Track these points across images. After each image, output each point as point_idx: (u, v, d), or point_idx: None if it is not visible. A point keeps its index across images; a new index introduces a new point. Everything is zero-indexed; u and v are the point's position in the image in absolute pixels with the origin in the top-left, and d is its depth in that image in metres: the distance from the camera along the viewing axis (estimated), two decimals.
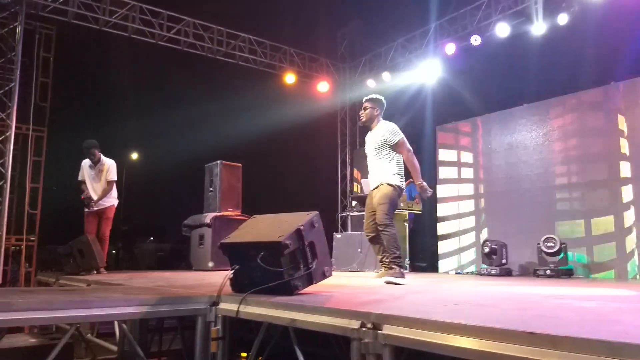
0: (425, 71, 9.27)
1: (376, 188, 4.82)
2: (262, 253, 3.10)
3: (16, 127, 7.57)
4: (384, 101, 4.96)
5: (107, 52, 10.12)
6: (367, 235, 4.94)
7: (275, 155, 11.24)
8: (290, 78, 10.41)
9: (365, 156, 5.06)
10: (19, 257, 8.40)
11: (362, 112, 4.94)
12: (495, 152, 8.25)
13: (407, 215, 7.68)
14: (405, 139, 4.84)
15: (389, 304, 2.80)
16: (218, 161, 7.86)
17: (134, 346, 3.19)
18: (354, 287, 4.19)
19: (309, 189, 10.89)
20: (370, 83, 10.34)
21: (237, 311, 2.88)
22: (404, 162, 4.90)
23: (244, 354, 4.60)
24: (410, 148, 4.86)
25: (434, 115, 9.25)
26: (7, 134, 7.38)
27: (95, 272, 5.86)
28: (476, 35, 8.10)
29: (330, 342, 3.83)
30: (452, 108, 8.83)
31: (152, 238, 15.55)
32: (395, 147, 4.77)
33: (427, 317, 2.07)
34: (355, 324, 2.22)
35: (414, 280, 5.49)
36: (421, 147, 9.28)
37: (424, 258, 8.35)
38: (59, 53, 9.59)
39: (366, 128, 5.03)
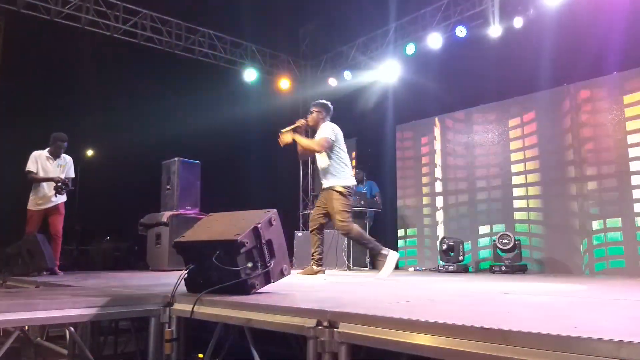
0: (385, 70, 9.35)
1: (327, 190, 5.04)
2: (217, 252, 3.03)
3: None
4: (330, 106, 5.26)
5: (59, 45, 9.72)
6: (311, 228, 5.17)
7: (236, 153, 11.08)
8: (250, 74, 10.30)
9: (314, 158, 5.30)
10: None
11: (308, 115, 5.20)
12: (454, 152, 8.40)
13: (367, 213, 7.73)
14: (329, 140, 5.02)
15: (345, 301, 2.79)
16: (176, 158, 7.68)
17: (83, 350, 3.06)
18: (312, 285, 4.16)
19: (270, 187, 10.80)
20: (332, 81, 10.35)
21: (192, 312, 2.80)
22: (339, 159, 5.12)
23: (200, 355, 4.52)
24: (323, 149, 5.05)
25: (394, 114, 9.34)
26: None
27: (45, 272, 5.62)
28: (461, 27, 8.15)
29: (289, 342, 3.79)
30: (412, 107, 8.94)
31: (108, 237, 15.09)
32: (318, 139, 5.01)
33: (383, 314, 2.07)
34: (311, 322, 2.19)
35: (372, 278, 5.52)
36: (382, 144, 9.36)
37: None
38: (8, 44, 9.15)
39: (315, 129, 5.25)
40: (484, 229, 7.75)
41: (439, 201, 8.54)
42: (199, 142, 8.93)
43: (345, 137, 10.22)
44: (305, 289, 3.61)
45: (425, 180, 8.78)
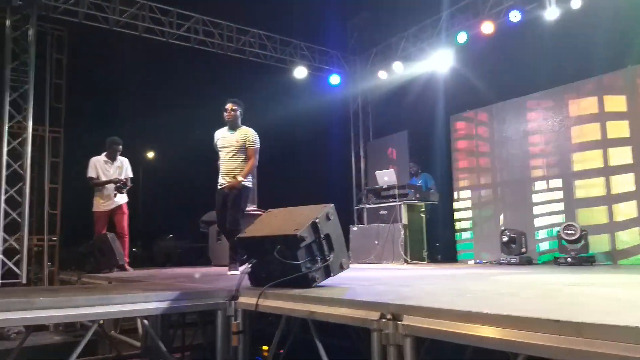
0: (437, 60, 9.17)
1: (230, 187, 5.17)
2: (278, 246, 3.11)
3: (33, 129, 7.65)
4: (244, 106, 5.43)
5: (118, 52, 10.19)
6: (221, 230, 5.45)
7: (289, 150, 11.23)
8: (300, 72, 10.38)
9: (219, 153, 5.34)
10: (41, 257, 8.54)
11: (229, 111, 5.25)
12: (511, 140, 8.14)
13: (423, 206, 7.64)
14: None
15: (406, 294, 2.79)
16: None
17: (156, 342, 3.22)
18: (372, 279, 4.18)
19: (323, 183, 10.87)
20: (382, 74, 10.26)
21: (256, 304, 2.89)
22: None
23: (265, 347, 4.64)
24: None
25: (447, 105, 9.15)
26: (24, 135, 7.47)
27: (115, 269, 5.93)
28: (515, 11, 7.87)
29: (349, 334, 3.83)
30: (466, 97, 8.72)
31: (170, 235, 15.71)
32: (251, 153, 5.22)
33: (448, 307, 2.06)
34: (374, 315, 2.21)
35: (431, 271, 5.47)
36: (435, 136, 9.20)
37: (441, 248, 8.29)
38: (72, 54, 9.68)
39: (232, 126, 5.31)
40: (544, 220, 7.48)
41: (497, 192, 8.32)
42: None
43: (397, 129, 10.32)
44: (365, 283, 3.64)
45: (481, 171, 8.57)
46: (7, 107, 7.36)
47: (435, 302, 2.23)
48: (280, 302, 2.82)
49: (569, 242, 6.35)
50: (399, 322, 2.11)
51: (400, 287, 3.27)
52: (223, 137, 5.31)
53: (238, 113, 5.27)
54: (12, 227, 7.21)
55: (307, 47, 10.65)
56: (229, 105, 5.26)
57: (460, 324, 1.94)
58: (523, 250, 6.69)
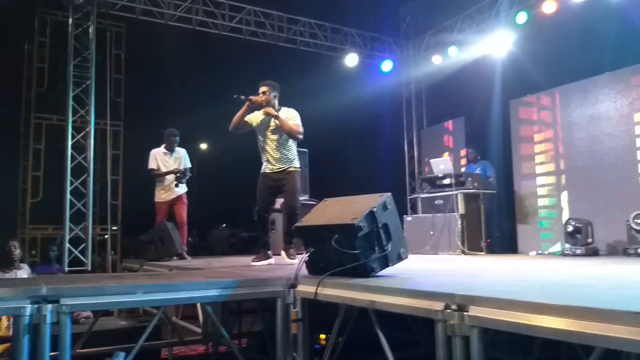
0: (495, 43, 8.82)
1: (282, 171, 4.94)
2: (336, 235, 3.09)
3: (95, 123, 7.97)
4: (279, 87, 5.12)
5: (173, 46, 10.43)
6: (261, 215, 5.04)
7: (340, 140, 11.18)
8: (351, 59, 10.27)
9: (263, 136, 5.03)
10: (104, 245, 8.94)
11: (260, 95, 4.91)
12: (576, 125, 7.73)
13: (481, 195, 7.41)
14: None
15: (471, 285, 2.70)
16: None
17: (218, 327, 3.28)
18: (431, 269, 4.09)
19: (375, 173, 10.76)
20: (436, 59, 10.00)
21: (315, 293, 2.88)
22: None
23: (322, 336, 4.66)
24: (301, 136, 5.06)
25: (506, 89, 8.78)
26: (87, 129, 7.81)
27: (175, 257, 6.11)
28: None
29: (406, 325, 3.77)
30: (526, 80, 8.34)
31: (224, 225, 16.08)
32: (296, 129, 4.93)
33: (518, 298, 1.98)
34: (438, 305, 2.15)
35: (492, 262, 5.30)
36: (493, 122, 8.89)
37: (500, 239, 8.01)
38: (129, 49, 10.02)
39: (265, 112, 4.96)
40: (614, 208, 7.07)
41: (560, 180, 7.94)
42: (305, 130, 9.11)
43: (453, 116, 10.04)
44: (425, 273, 3.56)
45: (543, 158, 8.19)
46: (70, 103, 7.70)
47: (504, 293, 2.14)
48: (339, 291, 2.79)
49: (639, 231, 5.98)
50: (465, 313, 2.04)
51: (462, 278, 3.18)
52: (262, 123, 4.99)
53: (272, 96, 4.94)
54: (77, 217, 7.58)
55: (359, 34, 10.53)
56: (262, 89, 4.94)
57: (532, 316, 1.86)
58: (589, 240, 6.37)
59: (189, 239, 11.07)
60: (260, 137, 5.04)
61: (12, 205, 9.65)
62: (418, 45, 10.86)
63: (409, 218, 7.78)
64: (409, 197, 10.05)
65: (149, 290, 2.72)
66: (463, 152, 9.30)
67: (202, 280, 3.09)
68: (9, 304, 2.34)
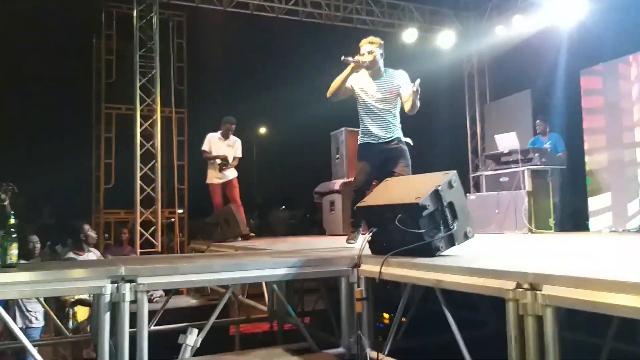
0: (563, 10, 8.30)
1: (391, 141, 4.25)
2: (399, 215, 3.06)
3: (160, 110, 8.28)
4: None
5: (231, 32, 10.61)
6: (362, 191, 4.21)
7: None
8: (410, 35, 10.01)
9: (364, 104, 4.32)
10: (172, 228, 9.36)
11: (365, 53, 4.14)
12: None
13: (550, 171, 7.07)
14: None
15: (542, 263, 2.61)
16: (342, 128, 7.90)
17: (284, 306, 3.37)
18: (498, 248, 3.98)
19: (438, 149, 10.55)
20: (499, 30, 9.55)
21: (380, 272, 2.88)
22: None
23: (385, 315, 4.67)
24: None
25: (575, 59, 8.28)
26: (154, 117, 8.13)
27: (239, 238, 6.28)
28: None
29: (470, 304, 3.70)
30: (598, 48, 7.81)
31: (283, 207, 16.39)
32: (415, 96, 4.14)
33: (593, 276, 1.89)
34: (509, 284, 2.09)
35: (564, 240, 5.09)
36: (561, 94, 8.44)
37: (571, 217, 7.64)
38: (191, 38, 10.29)
39: (376, 72, 4.27)
40: None
41: (637, 153, 7.44)
42: None
43: (518, 88, 9.61)
44: (491, 251, 3.47)
45: (618, 130, 7.69)
46: (137, 92, 8.04)
47: (577, 271, 2.05)
48: (404, 270, 2.78)
49: None
50: (538, 292, 1.98)
51: (532, 256, 3.07)
52: (369, 87, 4.27)
53: (379, 55, 4.18)
54: (147, 202, 7.96)
55: (417, 8, 10.25)
56: (367, 48, 4.17)
57: (608, 294, 1.78)
58: None
59: (250, 220, 11.35)
60: (363, 102, 4.32)
61: (87, 191, 10.25)
62: (480, 16, 10.42)
63: (472, 197, 7.57)
64: (471, 175, 9.78)
65: (218, 270, 2.82)
66: (530, 127, 8.90)
67: (269, 259, 3.16)
68: (91, 283, 2.50)
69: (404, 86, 4.25)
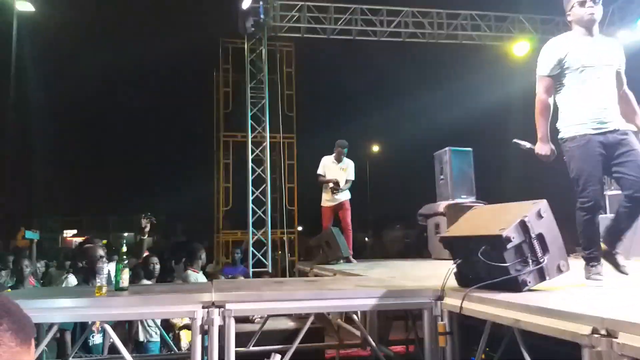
0: None
1: (618, 131, 3.19)
2: (483, 247, 2.96)
3: (270, 137, 8.81)
4: None
5: (336, 58, 11.01)
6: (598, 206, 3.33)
7: (508, 135, 10.49)
8: (521, 48, 9.56)
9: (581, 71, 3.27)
10: (283, 248, 9.81)
11: (592, 5, 3.27)
12: None
13: None
14: None
15: (628, 303, 2.38)
16: (446, 148, 7.73)
17: (366, 335, 3.41)
18: (606, 280, 3.63)
19: (548, 171, 9.83)
20: (622, 35, 8.75)
21: (460, 307, 2.82)
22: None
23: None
24: None
25: None
26: (264, 144, 8.67)
27: (341, 260, 6.41)
28: None
29: (565, 342, 3.43)
30: None
31: (398, 225, 16.27)
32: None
33: None
34: (585, 329, 1.95)
35: None
36: None
37: None
38: (298, 66, 10.84)
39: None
40: None
41: None
42: (469, 128, 8.82)
43: None
44: (587, 289, 3.19)
45: None
46: (249, 121, 8.65)
47: None
48: (484, 307, 2.69)
49: None
50: (614, 340, 1.83)
51: (623, 296, 2.78)
52: (590, 51, 3.25)
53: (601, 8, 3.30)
54: (259, 223, 8.47)
55: (527, 19, 9.77)
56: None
57: None
58: None
59: (365, 239, 11.47)
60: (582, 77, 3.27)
61: (210, 212, 11.18)
62: (601, 21, 9.61)
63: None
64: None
65: (300, 298, 2.97)
66: None
67: (351, 289, 3.25)
68: (185, 308, 2.78)
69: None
